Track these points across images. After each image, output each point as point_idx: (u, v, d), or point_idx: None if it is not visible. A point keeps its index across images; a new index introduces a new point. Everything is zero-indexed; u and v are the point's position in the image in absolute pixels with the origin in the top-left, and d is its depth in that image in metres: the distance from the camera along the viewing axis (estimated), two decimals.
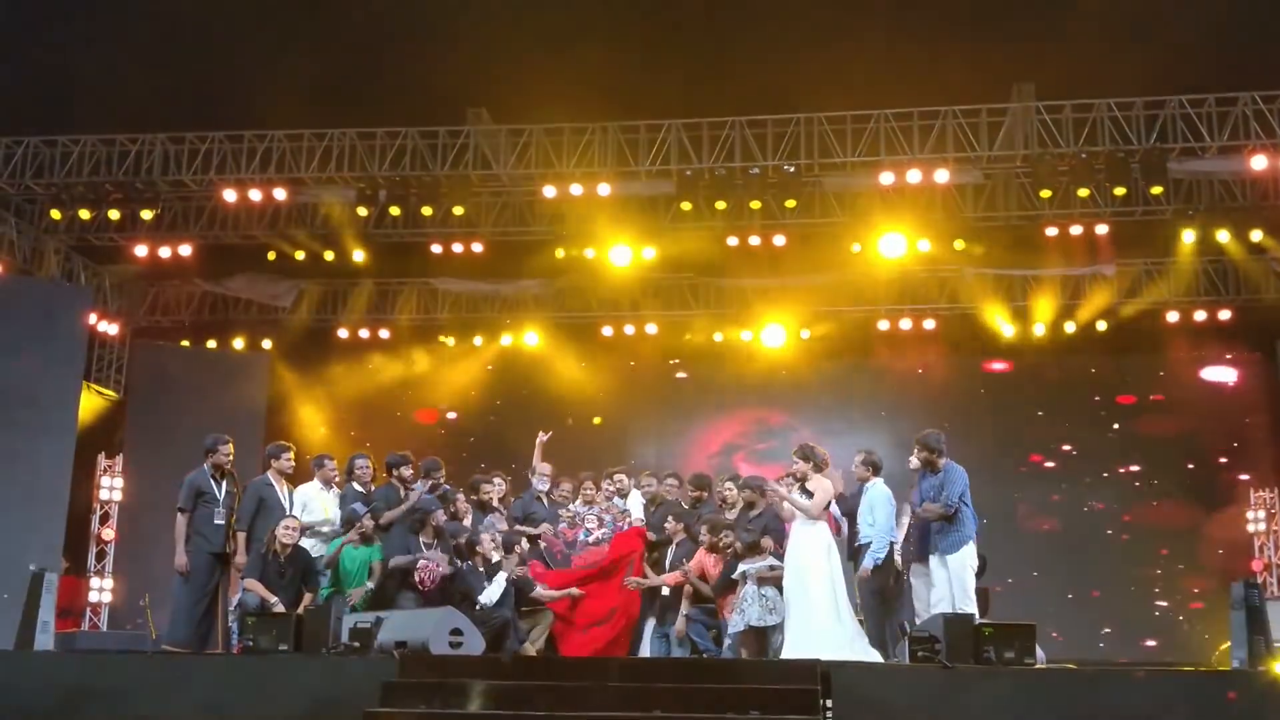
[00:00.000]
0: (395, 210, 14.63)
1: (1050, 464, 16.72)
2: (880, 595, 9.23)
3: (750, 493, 9.84)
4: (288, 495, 9.79)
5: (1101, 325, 15.96)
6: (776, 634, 8.84)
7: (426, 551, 9.47)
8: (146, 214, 14.80)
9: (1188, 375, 16.56)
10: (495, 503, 10.57)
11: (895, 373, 16.92)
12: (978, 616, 8.41)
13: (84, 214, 14.67)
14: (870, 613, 9.27)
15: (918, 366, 16.93)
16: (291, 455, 9.97)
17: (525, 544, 10.03)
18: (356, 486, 10.09)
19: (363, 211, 14.60)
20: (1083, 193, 13.81)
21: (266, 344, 17.36)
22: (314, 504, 9.88)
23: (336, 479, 10.18)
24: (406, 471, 10.20)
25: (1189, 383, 16.54)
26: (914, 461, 9.31)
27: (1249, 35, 12.06)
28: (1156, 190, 13.56)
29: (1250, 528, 15.49)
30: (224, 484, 9.61)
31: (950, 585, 8.74)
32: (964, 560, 8.81)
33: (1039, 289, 15.91)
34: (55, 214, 14.71)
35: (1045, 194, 13.82)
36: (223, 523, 9.50)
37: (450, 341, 17.63)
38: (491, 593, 9.29)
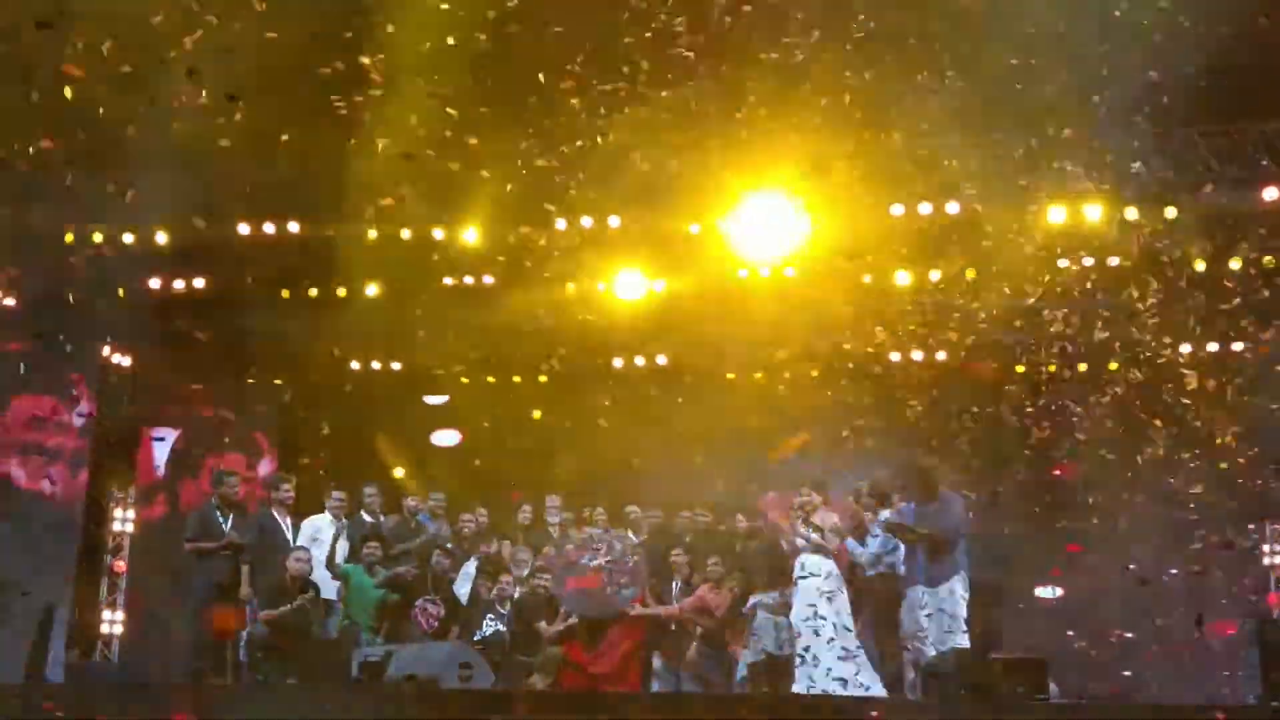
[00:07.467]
0: None
1: None
2: (889, 629, 9.19)
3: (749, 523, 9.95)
4: (290, 527, 9.77)
5: None
6: (788, 666, 8.80)
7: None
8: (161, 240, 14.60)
9: None
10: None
11: None
12: (967, 646, 8.37)
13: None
14: (879, 646, 9.21)
15: None
16: (290, 486, 9.92)
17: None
18: (365, 516, 10.08)
19: None
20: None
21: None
22: (324, 535, 9.85)
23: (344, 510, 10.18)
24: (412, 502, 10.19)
25: None
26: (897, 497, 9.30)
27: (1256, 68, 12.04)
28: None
29: (1266, 560, 15.30)
30: (231, 517, 9.59)
31: (941, 616, 8.72)
32: (954, 591, 8.75)
33: None
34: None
35: None
36: (230, 555, 9.47)
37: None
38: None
